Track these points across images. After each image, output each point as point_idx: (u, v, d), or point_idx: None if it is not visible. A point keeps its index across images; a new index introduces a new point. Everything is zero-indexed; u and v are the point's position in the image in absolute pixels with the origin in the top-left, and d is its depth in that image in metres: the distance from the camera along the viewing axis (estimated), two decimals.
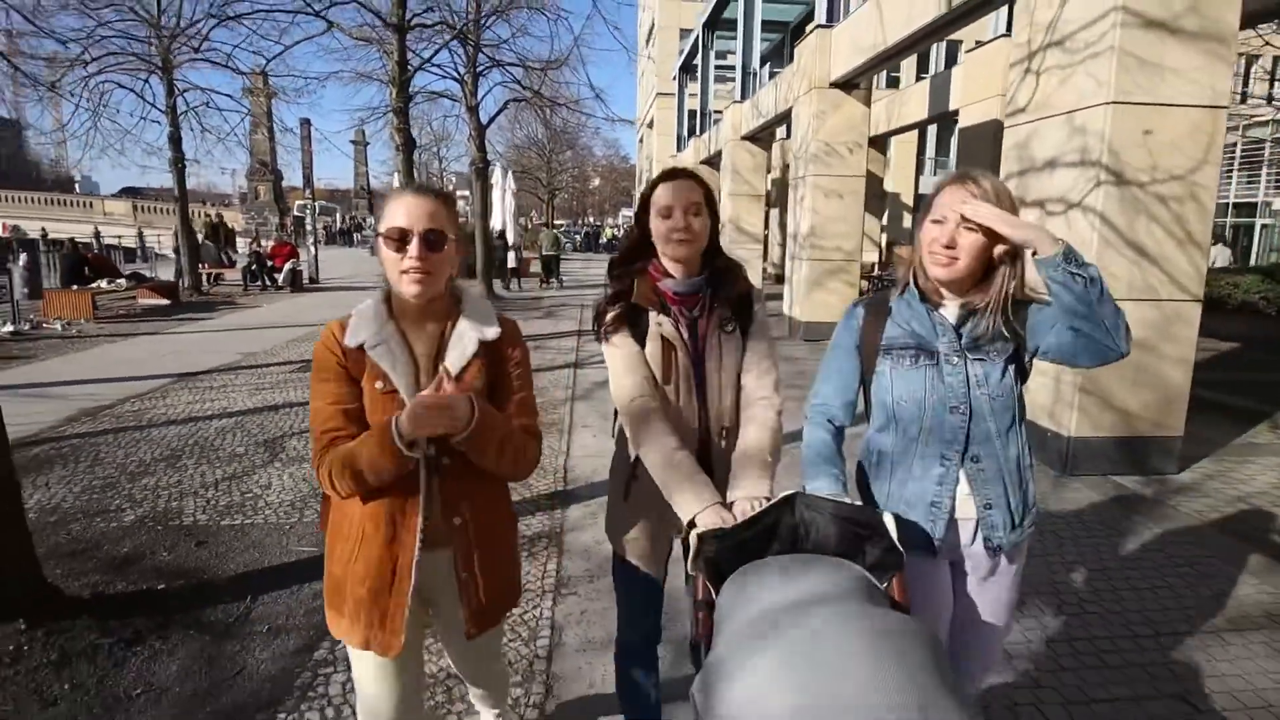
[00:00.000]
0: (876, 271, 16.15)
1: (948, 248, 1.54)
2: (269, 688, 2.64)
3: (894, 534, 1.40)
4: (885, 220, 29.79)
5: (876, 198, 19.76)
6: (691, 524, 1.56)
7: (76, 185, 75.03)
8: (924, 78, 19.05)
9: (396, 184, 16.56)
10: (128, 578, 3.47)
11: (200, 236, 18.24)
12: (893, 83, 25.34)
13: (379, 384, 1.52)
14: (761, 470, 1.70)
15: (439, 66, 13.66)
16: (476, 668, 1.93)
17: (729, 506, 1.60)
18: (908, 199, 27.84)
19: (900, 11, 8.29)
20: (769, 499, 1.54)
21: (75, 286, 13.06)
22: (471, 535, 1.62)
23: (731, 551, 1.42)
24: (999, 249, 1.55)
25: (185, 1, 14.71)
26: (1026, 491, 1.67)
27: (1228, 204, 24.83)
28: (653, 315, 1.78)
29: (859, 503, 1.54)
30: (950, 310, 1.65)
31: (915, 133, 24.57)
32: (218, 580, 3.48)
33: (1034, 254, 1.47)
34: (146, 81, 15.83)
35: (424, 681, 1.79)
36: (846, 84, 10.57)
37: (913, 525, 1.63)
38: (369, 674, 1.66)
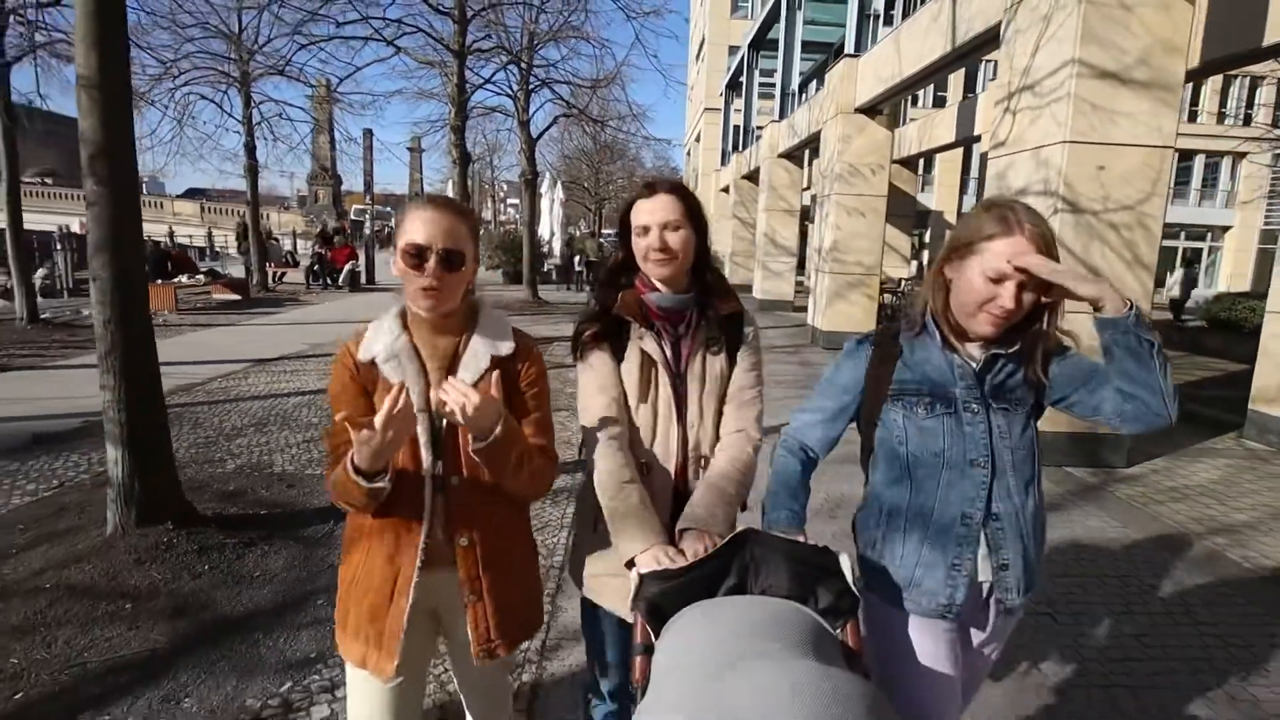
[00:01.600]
0: (905, 286, 16.70)
1: (1012, 312, 1.41)
2: None
3: (850, 577, 1.34)
4: (928, 238, 30.28)
5: (907, 216, 20.32)
6: (631, 563, 1.50)
7: (144, 185, 78.36)
8: (970, 96, 19.57)
9: (450, 192, 17.72)
10: (237, 506, 4.41)
11: (235, 235, 19.26)
12: (939, 102, 25.88)
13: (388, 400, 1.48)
14: (719, 504, 1.61)
15: (493, 84, 14.81)
16: (483, 701, 1.79)
17: (679, 536, 1.55)
18: (951, 217, 28.21)
19: (914, 47, 9.04)
20: (722, 537, 1.45)
21: (159, 281, 14.39)
22: (479, 557, 1.56)
23: (675, 592, 1.34)
24: (1045, 298, 1.44)
25: (263, 23, 16.08)
26: (1041, 550, 1.57)
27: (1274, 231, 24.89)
28: (634, 328, 1.70)
29: (813, 542, 1.41)
30: (973, 353, 1.52)
31: (960, 151, 25.03)
32: (306, 511, 4.40)
33: (1097, 310, 1.37)
34: (225, 93, 17.29)
35: (420, 713, 1.71)
36: (870, 110, 11.31)
37: (917, 587, 1.53)
38: (360, 694, 1.61)
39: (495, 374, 1.49)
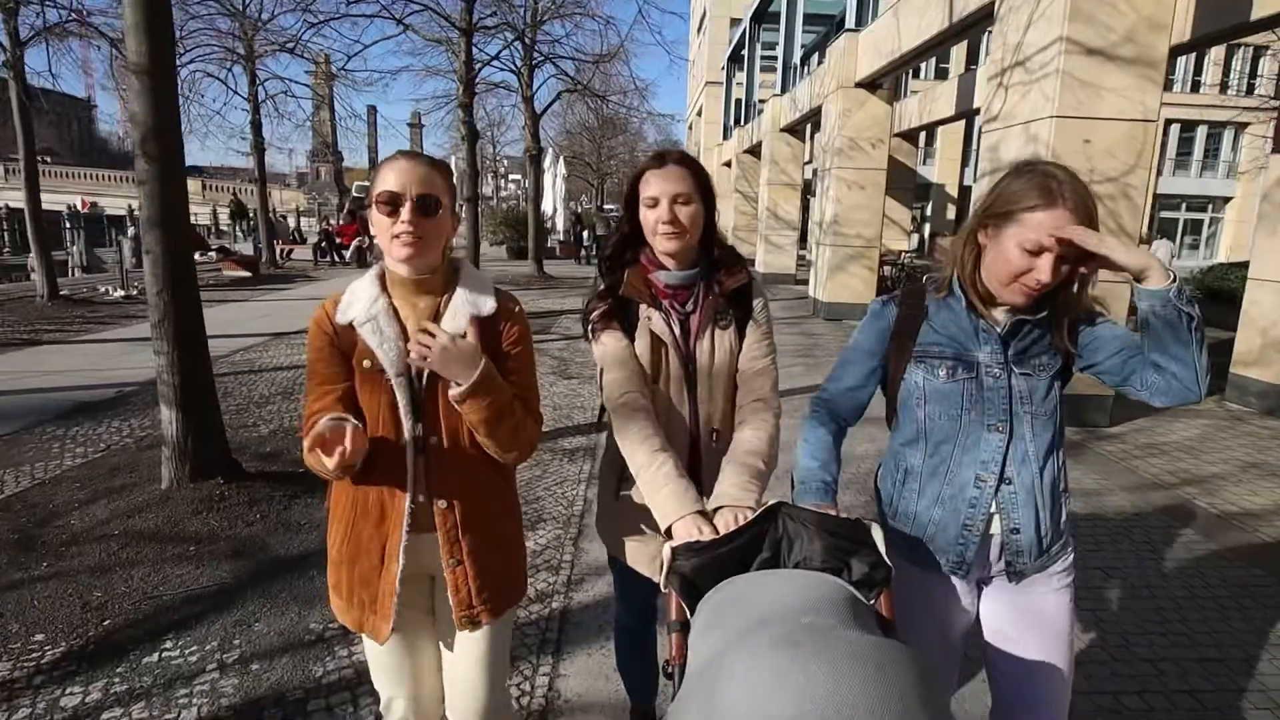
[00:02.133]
0: (904, 259, 16.93)
1: (1046, 285, 1.38)
2: None
3: (881, 548, 1.34)
4: (929, 211, 30.42)
5: (908, 189, 20.49)
6: (669, 532, 1.49)
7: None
8: (974, 68, 19.65)
9: (457, 167, 17.92)
10: (277, 465, 4.74)
11: (228, 214, 19.39)
12: (942, 74, 25.93)
13: (366, 362, 1.48)
14: (750, 478, 1.59)
15: (498, 60, 14.95)
16: (468, 682, 1.68)
17: (711, 515, 1.51)
18: (952, 189, 28.32)
19: (913, 22, 9.22)
20: (754, 509, 1.46)
21: None
22: (459, 520, 1.54)
23: (709, 567, 1.34)
24: (1084, 269, 1.40)
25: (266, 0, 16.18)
26: (1059, 517, 1.55)
27: None
28: (642, 309, 1.70)
29: (846, 515, 1.40)
30: (999, 317, 1.50)
31: (961, 124, 25.10)
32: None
33: (1139, 280, 1.34)
34: (230, 70, 17.44)
35: (439, 670, 1.71)
36: (871, 84, 11.50)
37: (929, 545, 1.56)
38: (380, 660, 1.65)
39: (472, 327, 1.48)
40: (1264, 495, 4.61)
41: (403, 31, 10.21)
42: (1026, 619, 1.58)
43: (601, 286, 1.76)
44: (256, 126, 17.71)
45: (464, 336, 1.45)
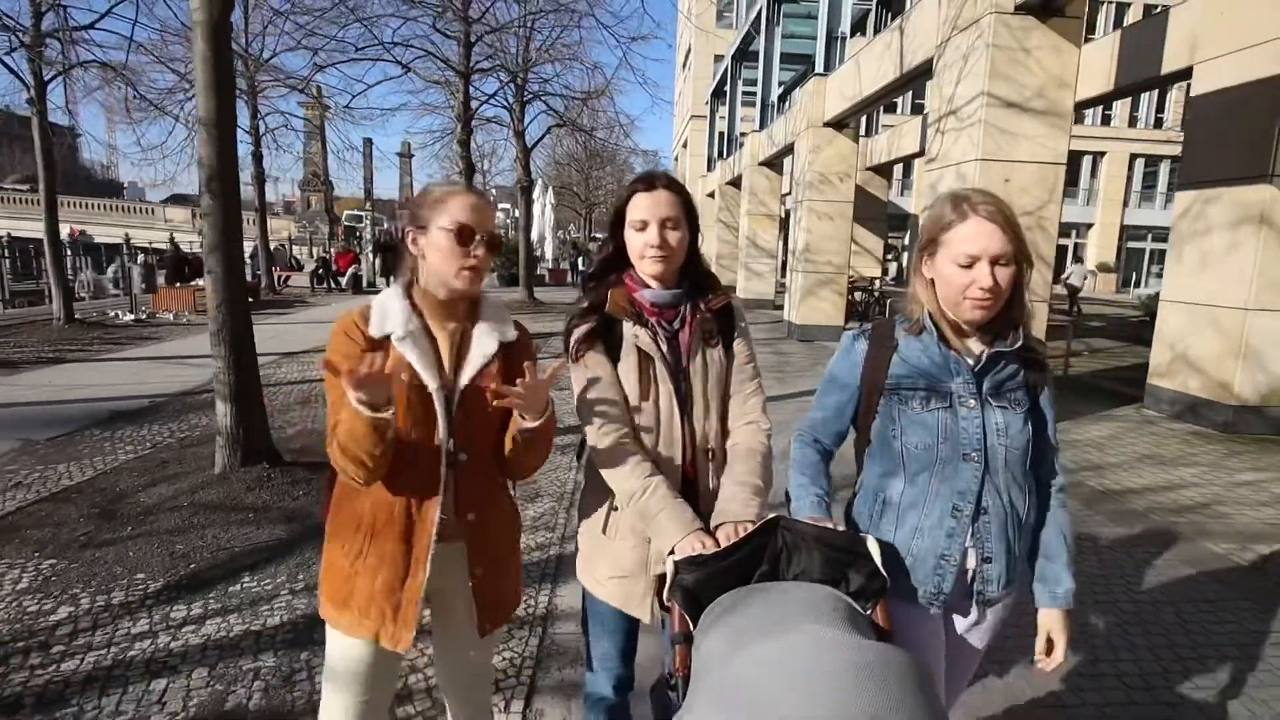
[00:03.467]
0: (876, 285, 17.88)
1: (991, 290, 1.42)
2: None
3: (878, 559, 1.37)
4: (909, 240, 31.60)
5: (881, 220, 21.57)
6: (672, 552, 1.50)
7: (125, 192, 78.03)
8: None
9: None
10: (310, 456, 5.48)
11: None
12: (918, 109, 27.23)
13: (404, 375, 1.51)
14: (750, 495, 1.62)
15: (489, 95, 15.88)
16: (470, 680, 1.83)
17: (713, 532, 1.54)
18: None
19: (871, 70, 10.23)
20: (754, 524, 1.49)
21: (178, 285, 15.40)
22: (483, 530, 1.63)
23: (710, 580, 1.37)
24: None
25: (267, 39, 17.07)
26: (1024, 550, 1.61)
27: None
28: (627, 326, 1.68)
29: (842, 527, 1.45)
30: (973, 348, 1.53)
31: None
32: None
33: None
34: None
35: (395, 683, 1.82)
36: (838, 124, 12.49)
37: (907, 577, 1.55)
38: (355, 671, 1.63)
39: (496, 363, 1.61)
40: (1146, 477, 5.46)
41: (404, 73, 11.09)
42: (962, 646, 1.67)
43: (585, 304, 1.74)
44: (258, 158, 18.55)
45: (490, 366, 1.61)
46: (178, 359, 9.82)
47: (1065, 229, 33.29)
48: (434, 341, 1.59)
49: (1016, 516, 1.55)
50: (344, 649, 1.63)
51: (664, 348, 1.69)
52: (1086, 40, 6.58)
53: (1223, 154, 7.05)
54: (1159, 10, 10.12)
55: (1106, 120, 32.67)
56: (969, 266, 1.42)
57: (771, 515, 1.46)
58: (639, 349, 1.67)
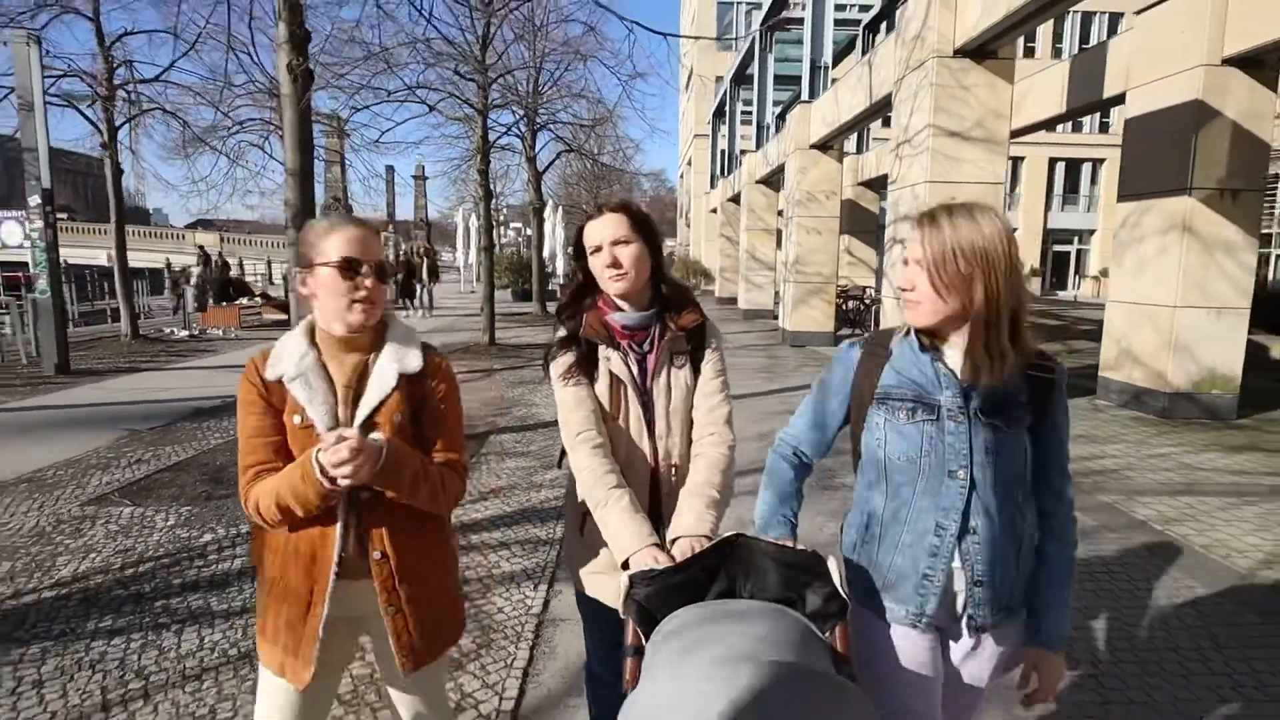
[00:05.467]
0: (867, 294, 18.93)
1: (909, 287, 1.44)
2: None
3: (837, 580, 1.33)
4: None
5: (871, 231, 22.61)
6: (626, 564, 1.51)
7: (151, 218, 80.00)
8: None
9: (475, 223, 19.77)
10: None
11: (195, 261, 20.92)
12: None
13: (296, 417, 1.51)
14: (705, 508, 1.64)
15: (504, 126, 17.14)
16: (416, 708, 1.79)
17: (670, 546, 1.56)
18: None
19: (847, 99, 11.38)
20: (709, 539, 1.49)
21: (224, 304, 16.69)
22: (394, 569, 1.58)
23: (664, 595, 1.36)
24: (977, 296, 1.37)
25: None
26: (1021, 575, 1.51)
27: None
28: (601, 350, 1.75)
29: (803, 546, 1.39)
30: (954, 360, 1.47)
31: None
32: None
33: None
34: (267, 139, 19.70)
35: (327, 717, 1.77)
36: (823, 146, 13.64)
37: (889, 594, 1.51)
38: (271, 699, 1.63)
39: (396, 395, 1.56)
40: (1073, 450, 6.46)
41: (429, 111, 12.34)
42: (966, 670, 1.56)
43: (562, 333, 1.80)
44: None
45: (382, 408, 1.55)
46: (236, 367, 11.04)
47: None
48: (333, 380, 1.57)
49: (1014, 540, 1.47)
50: (265, 680, 1.65)
51: (634, 370, 1.78)
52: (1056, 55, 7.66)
53: (1151, 170, 8.04)
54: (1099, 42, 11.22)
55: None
56: (906, 264, 1.49)
57: (730, 533, 1.43)
58: (611, 372, 1.76)
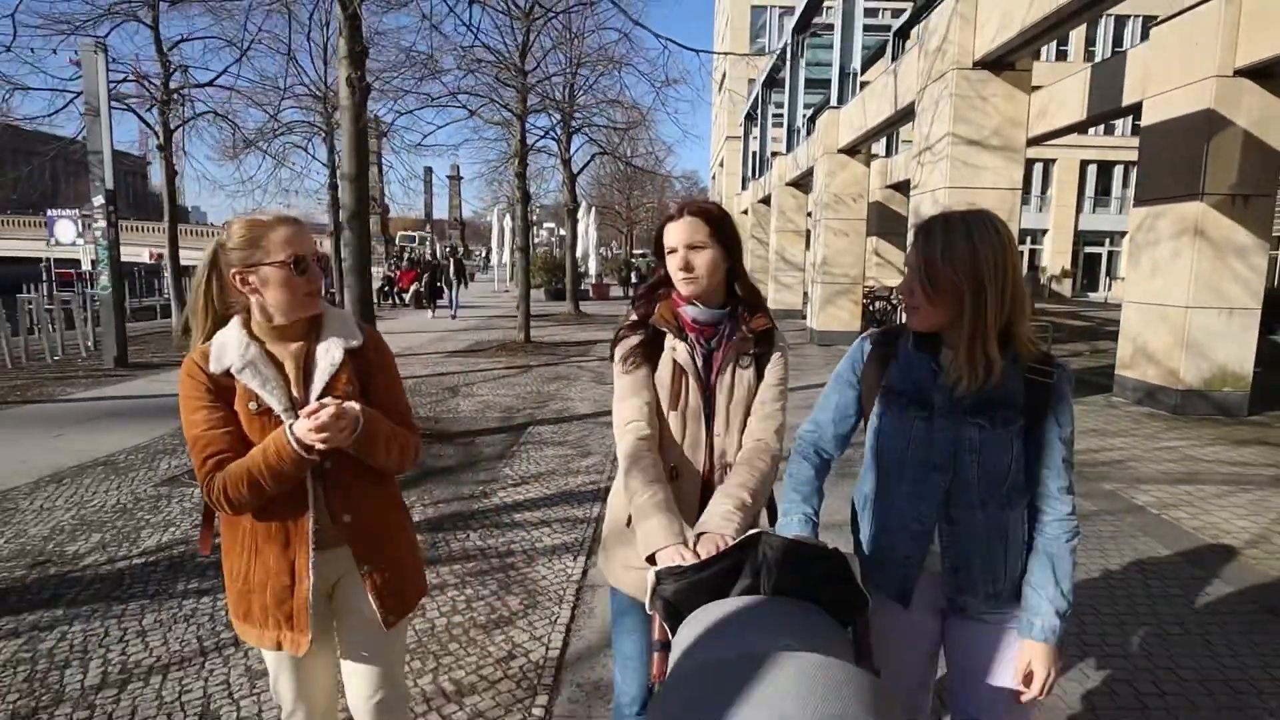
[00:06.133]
0: (895, 295, 19.17)
1: (909, 294, 1.50)
2: (495, 460, 6.22)
3: (858, 576, 1.38)
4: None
5: (900, 234, 22.80)
6: (652, 559, 1.53)
7: (189, 215, 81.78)
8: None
9: (509, 223, 20.25)
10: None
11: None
12: None
13: (252, 404, 1.57)
14: (734, 508, 1.63)
15: (541, 130, 17.72)
16: (377, 685, 1.80)
17: (695, 542, 1.56)
18: None
19: (873, 106, 11.71)
20: (734, 538, 1.50)
21: None
22: (363, 530, 1.70)
23: (689, 591, 1.39)
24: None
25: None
26: (1010, 569, 1.55)
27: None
28: (668, 339, 1.78)
29: (825, 543, 1.43)
30: (949, 361, 1.53)
31: None
32: (451, 431, 7.12)
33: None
34: (310, 141, 20.46)
35: (336, 680, 1.88)
36: (850, 151, 13.97)
37: (874, 573, 1.62)
38: (286, 675, 1.75)
39: (345, 372, 1.66)
40: (1083, 443, 6.75)
41: (470, 116, 12.93)
42: (983, 652, 1.60)
43: (633, 318, 1.85)
44: (333, 186, 20.59)
45: (335, 379, 1.65)
46: None
47: (1020, 235, 32.76)
48: (280, 365, 1.64)
49: (998, 537, 1.53)
50: (270, 659, 1.75)
51: (699, 363, 1.78)
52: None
53: (1166, 176, 8.28)
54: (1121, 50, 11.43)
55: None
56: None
57: (753, 530, 1.46)
58: (675, 361, 1.77)
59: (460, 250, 27.60)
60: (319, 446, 1.49)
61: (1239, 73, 7.45)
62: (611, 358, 1.84)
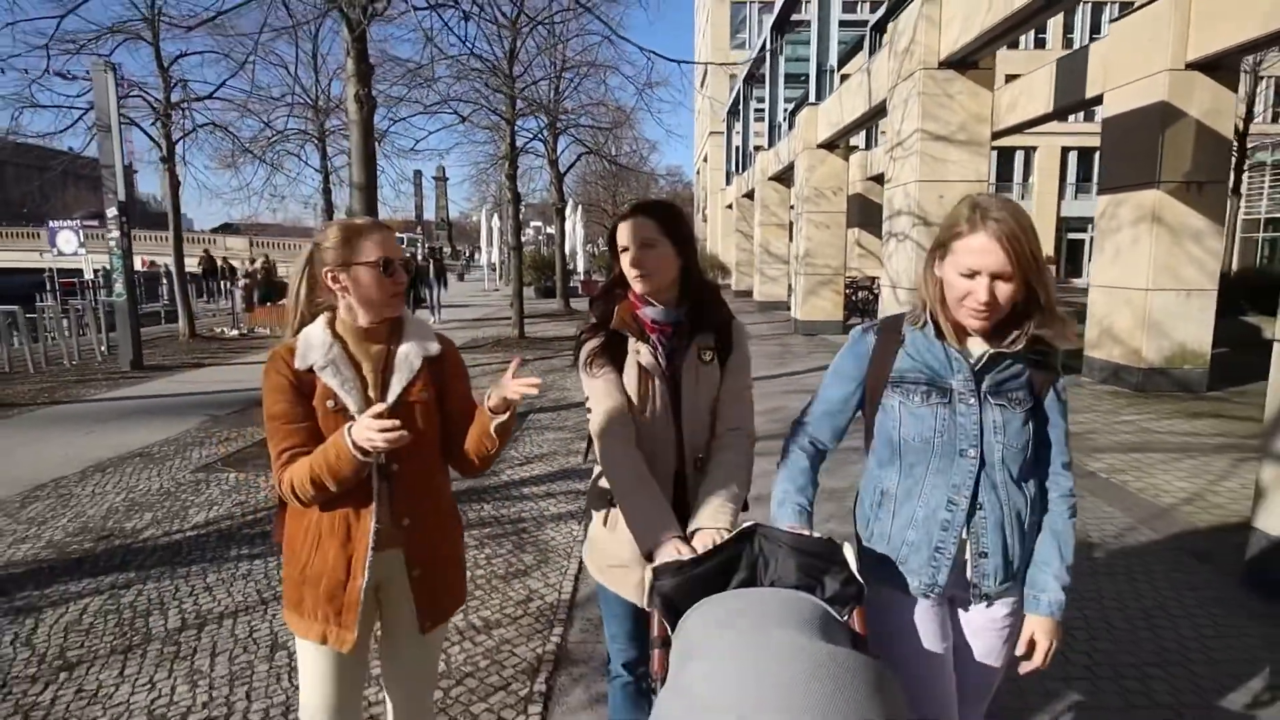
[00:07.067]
0: (877, 284, 19.68)
1: (988, 304, 1.44)
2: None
3: (853, 565, 1.39)
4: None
5: (880, 225, 23.32)
6: (650, 556, 1.55)
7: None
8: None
9: (494, 221, 20.47)
10: None
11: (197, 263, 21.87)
12: None
13: (330, 402, 1.63)
14: (726, 501, 1.67)
15: (528, 131, 18.12)
16: (413, 681, 1.89)
17: (690, 538, 1.58)
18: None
19: (849, 102, 12.19)
20: (729, 531, 1.53)
21: (269, 304, 17.78)
22: (419, 535, 1.74)
23: (687, 586, 1.40)
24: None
25: (334, 88, 19.45)
26: (1028, 547, 1.60)
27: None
28: (631, 343, 1.80)
29: (818, 534, 1.45)
30: (973, 349, 1.55)
31: None
32: None
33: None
34: (303, 148, 20.77)
35: (363, 687, 1.96)
36: (829, 145, 14.45)
37: (902, 567, 1.59)
38: (318, 670, 1.75)
39: (423, 378, 1.73)
40: None
41: (461, 121, 13.33)
42: (979, 642, 1.66)
43: (593, 319, 1.87)
44: (326, 192, 20.90)
45: (419, 381, 1.72)
46: None
47: None
48: (359, 366, 1.69)
49: (1016, 516, 1.55)
50: (305, 650, 1.76)
51: (663, 363, 1.80)
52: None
53: (1125, 165, 8.75)
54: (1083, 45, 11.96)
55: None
56: (970, 277, 1.44)
57: (749, 523, 1.47)
58: (640, 364, 1.79)
59: (440, 251, 27.62)
60: (381, 448, 1.49)
61: (1190, 66, 7.95)
62: (575, 361, 1.87)
